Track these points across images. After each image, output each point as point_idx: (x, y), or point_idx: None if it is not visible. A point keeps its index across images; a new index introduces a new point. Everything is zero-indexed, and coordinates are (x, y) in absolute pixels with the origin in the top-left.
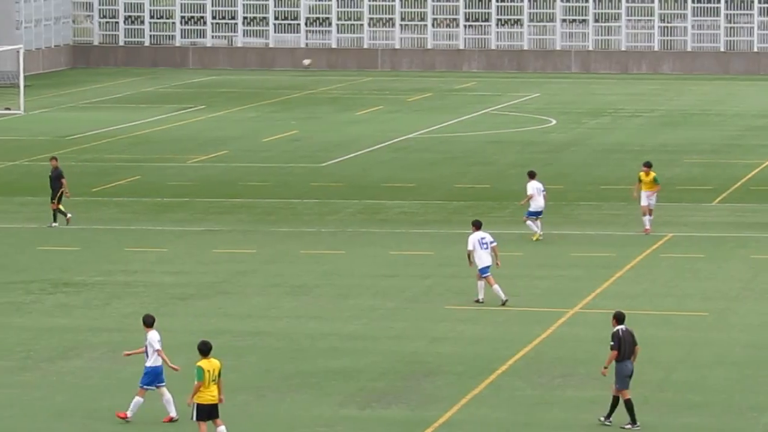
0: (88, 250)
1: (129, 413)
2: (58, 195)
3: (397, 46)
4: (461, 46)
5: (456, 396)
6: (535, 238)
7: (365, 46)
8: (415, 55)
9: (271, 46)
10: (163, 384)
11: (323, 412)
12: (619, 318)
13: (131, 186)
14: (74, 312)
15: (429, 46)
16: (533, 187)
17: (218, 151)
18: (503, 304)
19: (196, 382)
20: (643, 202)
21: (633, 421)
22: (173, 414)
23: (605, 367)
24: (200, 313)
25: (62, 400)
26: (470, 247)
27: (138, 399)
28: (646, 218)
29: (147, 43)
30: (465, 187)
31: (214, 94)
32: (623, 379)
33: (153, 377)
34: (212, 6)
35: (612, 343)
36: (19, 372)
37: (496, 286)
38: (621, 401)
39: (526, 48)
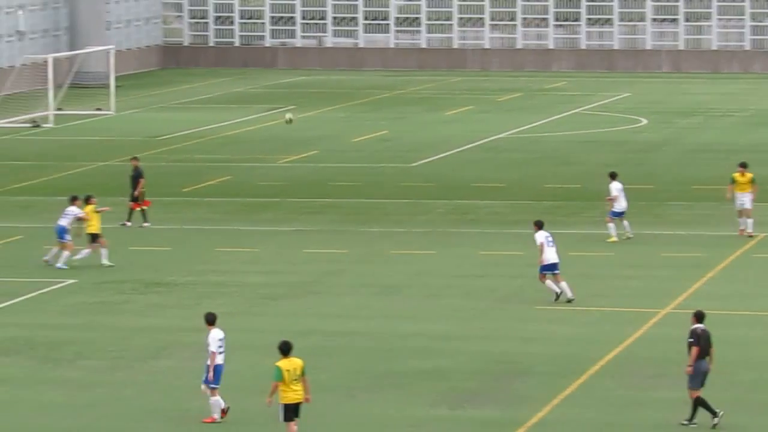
0: (180, 250)
1: (215, 415)
2: (136, 194)
3: (487, 46)
4: (551, 46)
5: (547, 396)
6: (611, 240)
7: (455, 46)
8: (505, 54)
9: (360, 46)
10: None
11: (414, 412)
12: (698, 316)
13: (222, 186)
14: (166, 312)
15: (519, 46)
16: (616, 188)
17: (308, 151)
18: (569, 301)
19: (273, 382)
20: (739, 204)
21: (713, 414)
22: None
23: (690, 365)
24: (291, 313)
25: (153, 400)
26: (539, 242)
27: (215, 399)
28: (744, 220)
29: (237, 44)
30: (555, 187)
31: (303, 95)
32: (697, 377)
33: (219, 375)
34: (302, 6)
35: (691, 339)
36: (111, 371)
37: (563, 284)
38: (695, 400)
39: (616, 47)
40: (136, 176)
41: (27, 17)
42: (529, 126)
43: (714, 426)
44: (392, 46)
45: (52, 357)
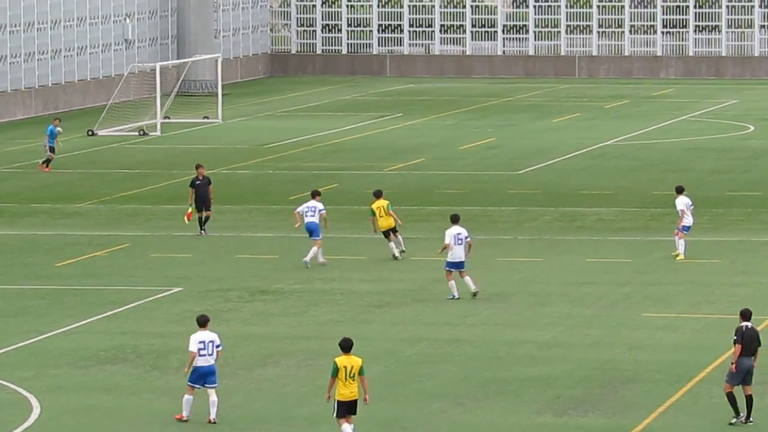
0: (286, 258)
1: (184, 413)
2: (204, 203)
3: (595, 53)
4: (659, 53)
5: (654, 404)
6: (677, 256)
7: (562, 53)
8: (613, 61)
9: (468, 53)
10: (214, 386)
11: (520, 419)
12: (744, 315)
13: (329, 194)
14: (272, 320)
15: (626, 53)
16: (683, 202)
17: (415, 159)
18: (474, 295)
19: (330, 378)
20: None
21: (736, 414)
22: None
23: (733, 363)
24: (397, 321)
25: (259, 407)
26: (447, 241)
27: (187, 398)
28: None
29: (344, 52)
30: (663, 194)
31: (411, 102)
32: (737, 374)
33: (197, 377)
34: (409, 14)
35: (735, 337)
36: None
37: (467, 278)
38: (745, 398)
39: (724, 54)
40: (205, 184)
41: (135, 26)
42: (637, 133)
43: (731, 424)
44: (500, 53)
45: (158, 365)
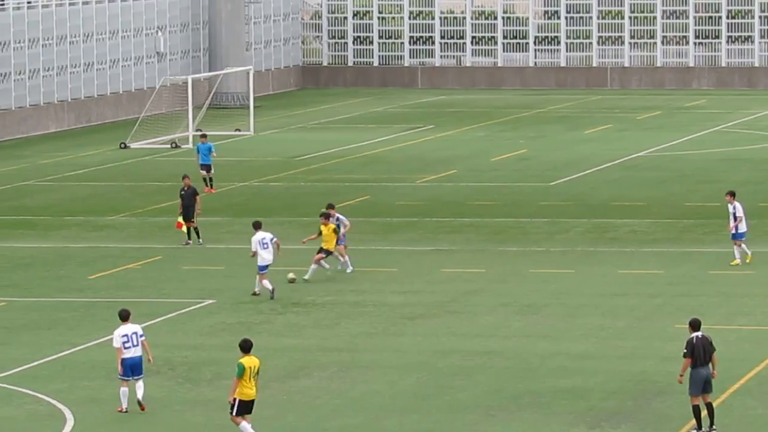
0: (318, 270)
1: (123, 405)
2: (194, 213)
3: (627, 64)
4: (691, 64)
5: (687, 416)
6: (736, 263)
7: (594, 65)
8: (645, 73)
9: (499, 65)
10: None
11: (552, 431)
12: (694, 325)
13: (361, 206)
14: (304, 332)
15: (658, 64)
16: (740, 208)
17: (447, 171)
18: (272, 296)
19: (235, 379)
20: None
21: (698, 427)
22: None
23: (681, 375)
24: (429, 333)
25: (292, 420)
26: (253, 249)
27: (123, 390)
28: None
29: (376, 64)
30: (695, 205)
31: (442, 114)
32: (695, 384)
33: (127, 367)
34: (441, 26)
35: (685, 350)
36: None
37: (266, 281)
38: (699, 407)
39: (756, 65)
40: (190, 194)
41: (167, 39)
42: (669, 144)
43: None
44: (531, 64)
45: (191, 377)
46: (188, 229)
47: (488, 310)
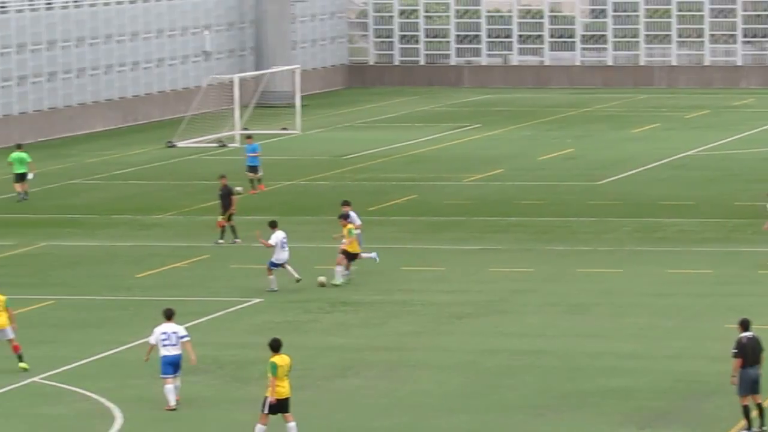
0: (366, 269)
1: (171, 403)
2: (228, 213)
3: (674, 63)
4: (739, 63)
5: (736, 416)
6: None
7: (641, 64)
8: (692, 71)
9: (546, 64)
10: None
11: (601, 431)
12: (743, 325)
13: (408, 205)
14: (352, 331)
15: (706, 63)
16: None
17: (494, 170)
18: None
19: (271, 378)
20: None
21: (749, 427)
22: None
23: (733, 376)
24: (477, 332)
25: (340, 419)
26: (274, 243)
27: (167, 387)
28: None
29: (422, 63)
30: (744, 204)
31: (489, 113)
32: (744, 385)
33: (165, 365)
34: (487, 24)
35: (735, 350)
36: (297, 390)
37: (272, 277)
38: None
39: None
40: (226, 194)
41: (213, 37)
42: (717, 143)
43: None
44: (578, 63)
45: (239, 376)
46: (222, 228)
47: (536, 310)
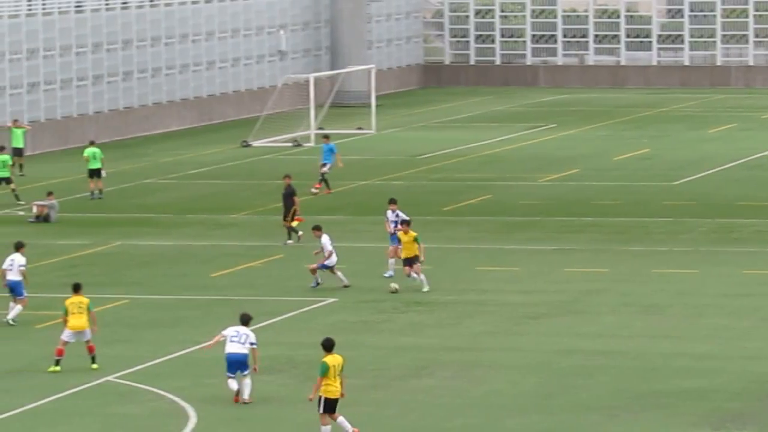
0: (440, 269)
1: (237, 396)
2: (291, 213)
3: (751, 63)
4: None
5: None
6: None
7: (718, 63)
8: None
9: (622, 64)
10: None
11: None
12: None
13: (482, 205)
14: (426, 331)
15: None
16: None
17: (569, 170)
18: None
19: (318, 378)
20: None
21: None
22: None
23: None
24: (551, 333)
25: (414, 419)
26: (330, 248)
27: (230, 382)
28: None
29: (498, 62)
30: None
31: (564, 113)
32: None
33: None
34: (563, 24)
35: None
36: (371, 390)
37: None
38: None
39: None
40: (289, 194)
41: (289, 37)
42: None
43: None
44: (654, 63)
45: (313, 375)
46: (288, 229)
47: (611, 310)
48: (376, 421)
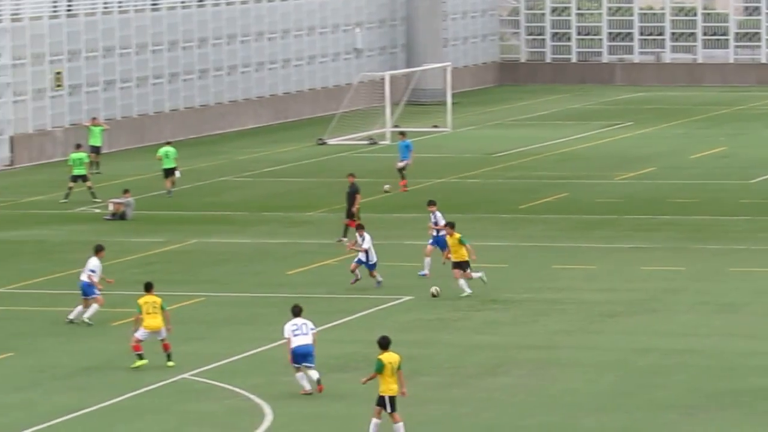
0: (517, 267)
1: (307, 387)
2: (354, 211)
3: None
4: None
5: None
6: None
7: None
8: None
9: (699, 61)
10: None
11: (755, 431)
12: None
13: (559, 203)
14: (502, 329)
15: None
16: None
17: (645, 168)
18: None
19: (373, 374)
20: None
21: None
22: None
23: None
24: (628, 331)
25: (490, 417)
26: (366, 246)
27: (299, 375)
28: None
29: (574, 60)
30: None
31: (641, 111)
32: None
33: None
34: (639, 22)
35: None
36: (447, 388)
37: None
38: None
39: None
40: (353, 192)
41: (364, 35)
42: None
43: None
44: (731, 61)
45: None
46: (345, 227)
47: (687, 309)
48: (451, 419)
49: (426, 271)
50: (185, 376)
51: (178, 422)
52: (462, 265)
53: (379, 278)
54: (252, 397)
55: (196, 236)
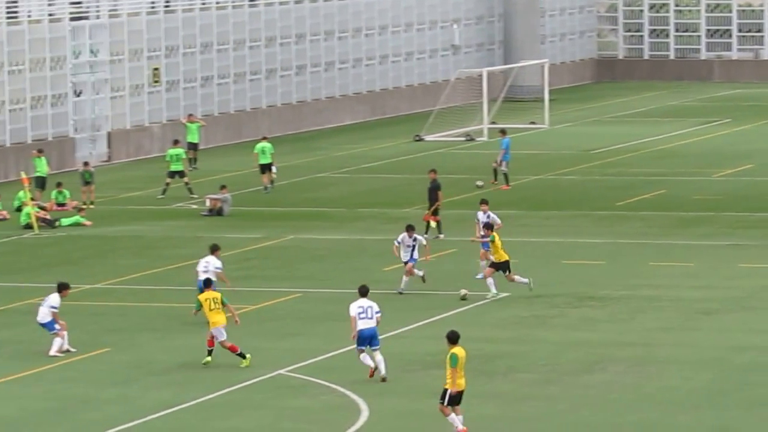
0: (614, 264)
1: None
2: (434, 208)
3: None
4: None
5: None
6: None
7: None
8: None
9: None
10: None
11: None
12: None
13: (656, 200)
14: (598, 326)
15: None
16: None
17: (743, 165)
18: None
19: (451, 369)
20: None
21: None
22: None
23: None
24: (725, 329)
25: (586, 414)
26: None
27: (363, 356)
28: None
29: (672, 57)
30: None
31: (739, 108)
32: None
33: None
34: (738, 19)
35: None
36: (543, 385)
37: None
38: None
39: None
40: (434, 189)
41: (462, 31)
42: None
43: None
44: None
45: (485, 370)
46: (427, 223)
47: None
48: (548, 416)
49: (481, 275)
50: (281, 371)
51: (273, 418)
52: (498, 266)
53: (420, 273)
54: (348, 393)
55: (293, 232)
